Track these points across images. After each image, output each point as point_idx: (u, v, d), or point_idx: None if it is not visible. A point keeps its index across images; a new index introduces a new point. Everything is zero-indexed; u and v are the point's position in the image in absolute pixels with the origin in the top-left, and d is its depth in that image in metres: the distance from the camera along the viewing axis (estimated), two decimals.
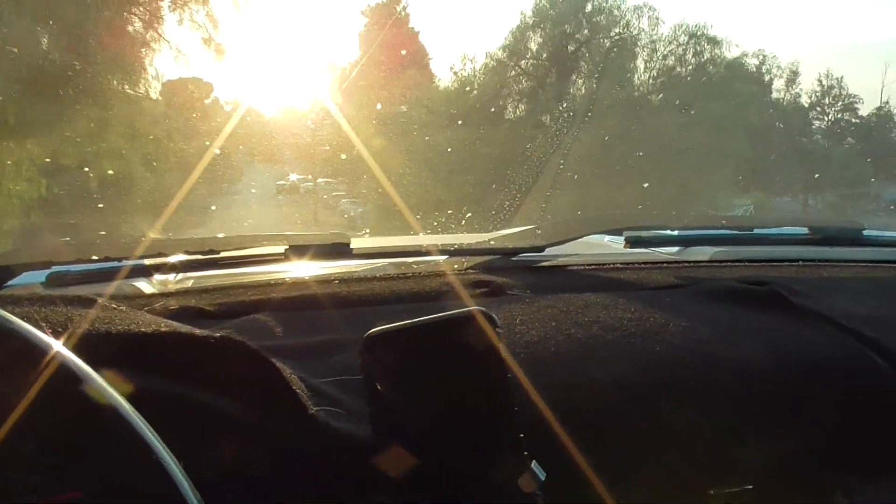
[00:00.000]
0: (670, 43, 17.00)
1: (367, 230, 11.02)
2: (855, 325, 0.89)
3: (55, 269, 1.01)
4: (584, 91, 16.18)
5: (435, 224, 8.17)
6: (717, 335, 0.86)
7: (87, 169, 9.10)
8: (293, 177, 16.43)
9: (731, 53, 17.14)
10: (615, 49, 16.50)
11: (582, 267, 1.19)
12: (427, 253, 1.20)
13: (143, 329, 0.64)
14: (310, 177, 16.08)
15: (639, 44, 17.03)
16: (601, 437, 0.72)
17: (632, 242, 1.29)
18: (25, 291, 0.89)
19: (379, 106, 13.47)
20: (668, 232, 1.34)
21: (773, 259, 1.27)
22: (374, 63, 14.77)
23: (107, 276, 1.02)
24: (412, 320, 0.63)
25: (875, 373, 0.83)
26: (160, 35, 11.55)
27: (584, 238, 1.24)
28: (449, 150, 12.77)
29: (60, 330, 0.60)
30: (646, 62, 17.05)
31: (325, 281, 1.05)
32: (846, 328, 0.89)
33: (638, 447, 0.75)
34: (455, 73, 17.53)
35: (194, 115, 12.11)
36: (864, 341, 0.86)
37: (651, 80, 16.99)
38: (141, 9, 11.30)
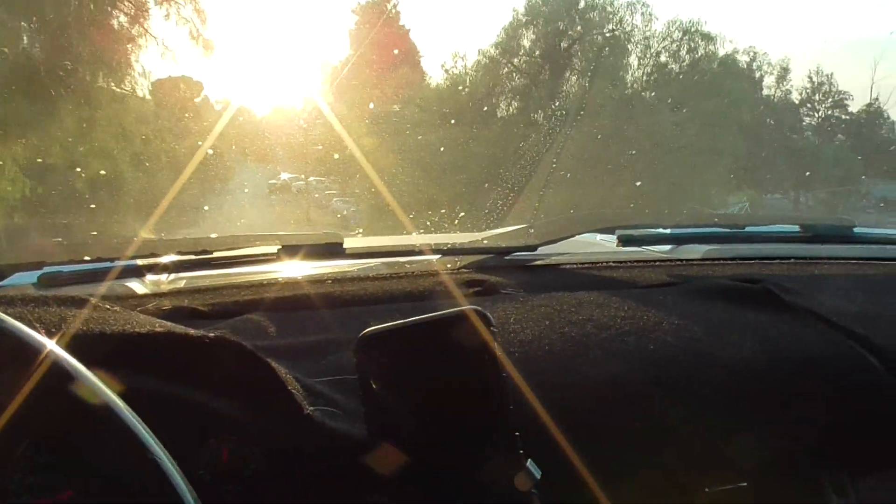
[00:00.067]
0: (664, 39, 16.98)
1: (360, 230, 11.01)
2: (846, 323, 0.89)
3: (47, 269, 1.00)
4: (577, 88, 16.12)
5: (428, 223, 8.15)
6: (709, 333, 0.86)
7: (77, 169, 9.02)
8: (285, 176, 16.33)
9: (723, 49, 17.17)
10: (608, 46, 16.48)
11: (575, 266, 1.19)
12: (420, 252, 1.20)
13: (137, 329, 0.64)
14: (301, 176, 16.00)
15: (632, 40, 17.01)
16: (596, 436, 0.73)
17: (624, 241, 1.29)
18: (17, 292, 0.88)
19: (371, 105, 13.42)
20: (661, 230, 1.35)
21: (765, 257, 1.27)
22: (366, 61, 14.70)
23: (99, 276, 1.02)
24: (406, 320, 0.63)
25: (866, 369, 0.84)
26: (146, 30, 11.38)
27: (577, 237, 1.24)
28: (441, 148, 12.73)
29: (54, 330, 0.60)
30: (639, 59, 17.01)
31: (318, 281, 1.05)
32: (837, 325, 0.89)
33: (632, 445, 0.75)
34: (447, 71, 17.44)
35: (185, 115, 12.00)
36: (855, 338, 0.87)
37: (644, 77, 16.96)
38: (126, 3, 11.13)
